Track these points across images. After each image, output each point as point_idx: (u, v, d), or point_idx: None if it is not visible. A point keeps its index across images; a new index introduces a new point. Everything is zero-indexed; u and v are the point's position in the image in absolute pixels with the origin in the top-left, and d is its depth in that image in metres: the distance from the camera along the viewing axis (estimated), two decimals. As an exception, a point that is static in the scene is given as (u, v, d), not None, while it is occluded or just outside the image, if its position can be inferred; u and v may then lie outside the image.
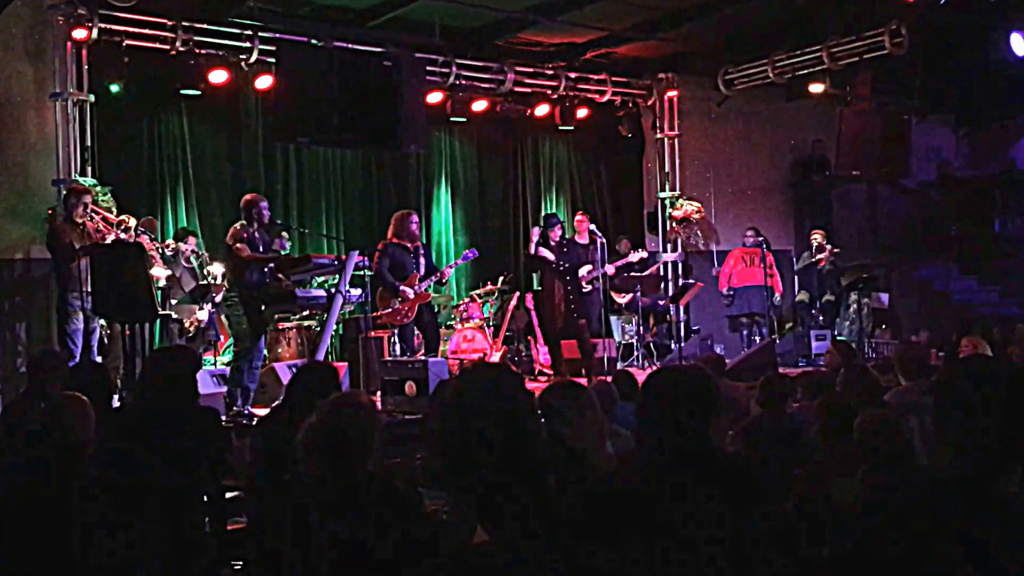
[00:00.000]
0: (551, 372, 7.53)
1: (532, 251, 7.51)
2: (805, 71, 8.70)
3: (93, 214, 5.74)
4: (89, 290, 5.42)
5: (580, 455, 2.12)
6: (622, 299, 8.28)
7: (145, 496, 2.43)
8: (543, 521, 1.39)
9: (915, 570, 1.62)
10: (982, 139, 12.03)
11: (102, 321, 5.76)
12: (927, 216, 11.54)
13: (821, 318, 9.05)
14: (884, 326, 9.53)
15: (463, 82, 8.25)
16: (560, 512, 1.45)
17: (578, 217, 7.95)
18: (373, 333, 6.38)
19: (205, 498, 3.08)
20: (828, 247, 9.08)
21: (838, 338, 8.23)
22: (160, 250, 6.36)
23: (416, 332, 6.69)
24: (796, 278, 9.38)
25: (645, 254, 8.22)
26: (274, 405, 4.02)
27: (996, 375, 1.77)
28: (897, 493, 1.93)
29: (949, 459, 1.73)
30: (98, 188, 6.41)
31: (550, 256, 7.43)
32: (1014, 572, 1.52)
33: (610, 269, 7.63)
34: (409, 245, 6.65)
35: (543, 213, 9.34)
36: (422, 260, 6.71)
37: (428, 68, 7.88)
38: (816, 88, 8.89)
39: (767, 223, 9.44)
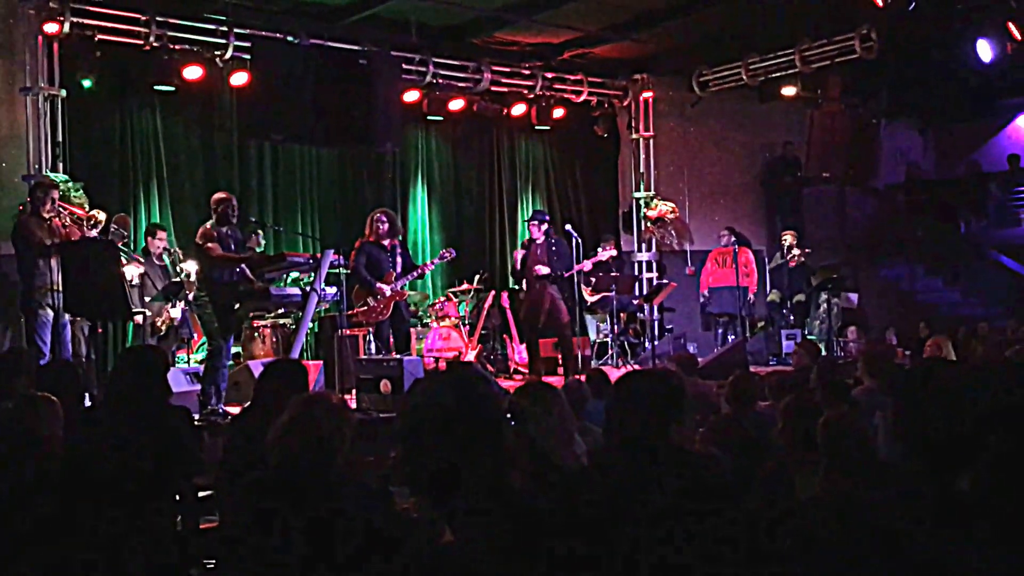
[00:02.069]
0: (527, 371, 7.56)
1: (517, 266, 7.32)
2: (777, 74, 8.85)
3: (60, 210, 5.66)
4: (59, 287, 5.35)
5: (546, 454, 2.17)
6: (592, 297, 8.34)
7: (115, 495, 2.43)
8: (506, 520, 1.42)
9: (873, 564, 1.67)
10: (948, 142, 12.30)
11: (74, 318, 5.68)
12: (894, 217, 11.77)
13: (792, 317, 9.20)
14: (853, 325, 9.71)
15: (440, 81, 8.26)
16: (524, 510, 1.48)
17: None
18: (348, 331, 6.36)
19: (177, 497, 3.07)
20: (799, 248, 9.23)
21: (808, 337, 8.39)
22: (128, 255, 6.28)
23: (391, 330, 6.68)
24: (768, 278, 9.52)
25: (614, 252, 8.27)
26: (246, 404, 4.01)
27: (953, 379, 1.83)
28: (856, 489, 1.99)
29: (903, 457, 1.79)
30: (70, 184, 6.31)
31: (519, 256, 7.37)
32: (964, 570, 1.57)
33: (587, 266, 7.67)
34: (386, 243, 6.64)
35: (519, 212, 9.39)
36: (399, 258, 6.70)
37: (404, 66, 7.88)
38: (788, 90, 9.03)
39: (740, 223, 9.56)
